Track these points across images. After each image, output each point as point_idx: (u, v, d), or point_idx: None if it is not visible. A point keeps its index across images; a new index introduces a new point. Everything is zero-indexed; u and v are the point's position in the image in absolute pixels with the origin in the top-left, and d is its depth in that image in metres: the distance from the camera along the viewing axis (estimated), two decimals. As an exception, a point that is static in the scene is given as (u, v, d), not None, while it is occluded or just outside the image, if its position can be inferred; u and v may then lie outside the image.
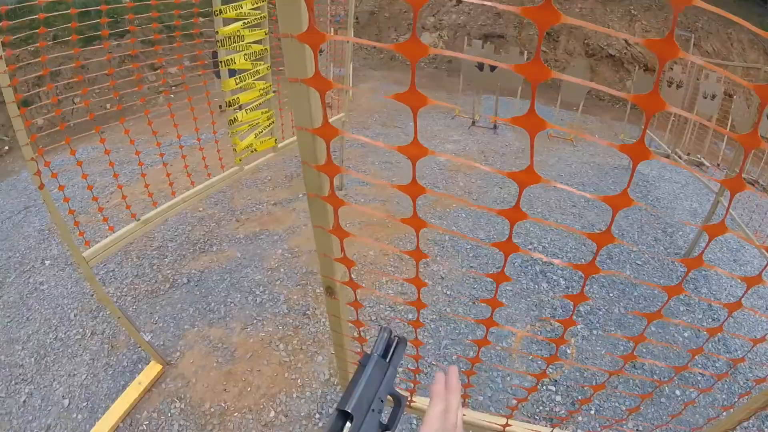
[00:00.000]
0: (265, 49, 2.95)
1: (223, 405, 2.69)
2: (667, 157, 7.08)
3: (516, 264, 3.99)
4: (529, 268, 3.96)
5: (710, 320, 3.76)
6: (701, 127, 7.39)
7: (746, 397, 1.19)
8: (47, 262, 4.21)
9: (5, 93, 1.72)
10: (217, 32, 2.54)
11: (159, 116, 2.32)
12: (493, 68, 7.22)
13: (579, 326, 3.44)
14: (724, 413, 1.28)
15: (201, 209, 4.41)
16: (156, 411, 2.63)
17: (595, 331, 3.45)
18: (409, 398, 1.44)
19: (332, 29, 6.71)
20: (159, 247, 3.89)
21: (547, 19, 0.43)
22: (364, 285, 3.50)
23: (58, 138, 2.10)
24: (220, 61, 2.64)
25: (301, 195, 4.90)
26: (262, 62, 2.97)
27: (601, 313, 3.60)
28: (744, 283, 0.67)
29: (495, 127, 7.73)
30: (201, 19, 2.66)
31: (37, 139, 1.94)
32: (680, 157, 7.13)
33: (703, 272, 4.36)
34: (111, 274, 3.60)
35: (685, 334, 3.53)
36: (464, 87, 8.34)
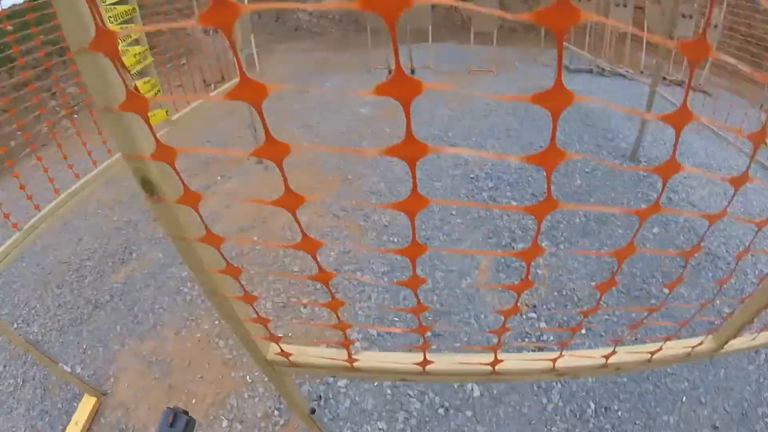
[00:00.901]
0: (133, 8, 2.62)
1: (169, 425, 2.60)
2: (590, 72, 7.41)
3: (462, 195, 3.78)
4: (477, 195, 3.77)
5: (681, 222, 3.47)
6: (619, 39, 7.70)
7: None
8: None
9: None
10: None
11: (66, 139, 2.02)
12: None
13: (544, 243, 3.05)
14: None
15: (115, 218, 3.93)
16: (99, 449, 2.30)
17: (562, 246, 3.27)
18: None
19: None
20: (77, 269, 3.41)
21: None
22: (301, 254, 3.17)
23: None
24: None
25: (219, 178, 4.49)
26: (132, 23, 2.63)
27: (562, 226, 3.45)
28: (729, 183, 0.53)
29: (413, 72, 7.45)
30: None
31: None
32: (603, 70, 7.34)
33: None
34: (33, 311, 3.14)
35: (654, 230, 3.39)
36: (373, 40, 7.95)
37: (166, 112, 2.99)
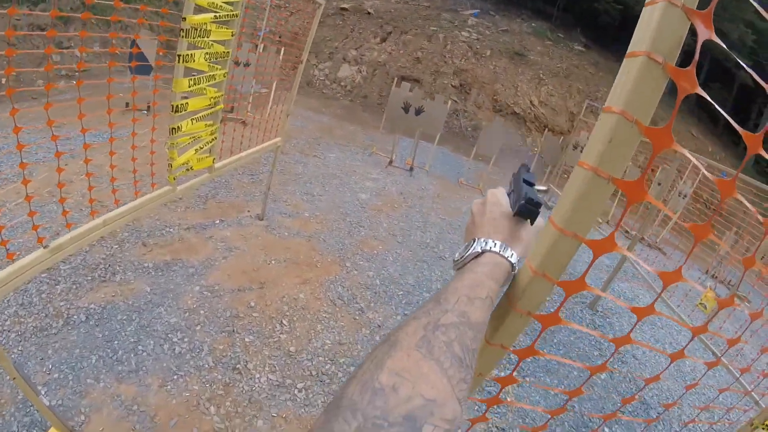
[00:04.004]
0: (227, 52, 2.56)
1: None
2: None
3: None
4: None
5: (620, 363, 4.07)
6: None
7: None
8: None
9: None
10: (184, 19, 2.11)
11: (58, 103, 1.64)
12: (418, 112, 7.38)
13: (514, 374, 3.29)
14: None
15: (101, 225, 3.44)
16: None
17: (528, 378, 3.48)
18: None
19: (262, 45, 6.80)
20: (49, 269, 3.05)
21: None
22: (297, 334, 3.18)
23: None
24: (178, 55, 2.18)
25: (218, 221, 4.33)
26: (220, 67, 2.57)
27: (529, 360, 3.64)
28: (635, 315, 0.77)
29: (411, 169, 7.76)
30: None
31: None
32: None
33: (608, 320, 4.77)
34: None
35: (602, 377, 3.73)
36: (385, 126, 8.29)
37: (213, 159, 2.92)
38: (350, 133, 8.96)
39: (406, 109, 7.42)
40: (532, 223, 0.73)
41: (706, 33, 0.50)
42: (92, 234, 2.08)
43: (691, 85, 0.50)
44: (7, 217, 1.72)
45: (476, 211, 0.77)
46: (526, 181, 0.74)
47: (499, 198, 0.76)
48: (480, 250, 0.67)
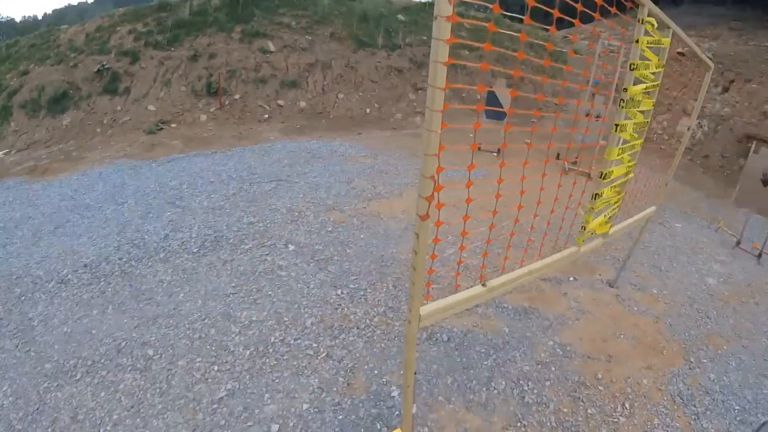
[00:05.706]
0: (647, 122, 2.54)
1: None
2: None
3: None
4: None
5: None
6: None
7: None
8: (291, 247, 4.12)
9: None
10: (625, 89, 2.16)
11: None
12: (783, 186, 5.92)
13: None
14: None
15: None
16: None
17: None
18: None
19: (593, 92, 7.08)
20: None
21: None
22: (635, 422, 2.89)
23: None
24: (616, 125, 2.26)
25: (572, 278, 4.36)
26: (638, 136, 2.55)
27: None
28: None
29: (759, 255, 6.36)
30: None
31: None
32: None
33: None
34: (361, 294, 3.44)
35: None
36: (738, 198, 6.90)
37: (611, 226, 2.83)
38: (693, 199, 8.05)
39: (765, 182, 6.22)
40: None
41: None
42: (519, 280, 2.20)
43: None
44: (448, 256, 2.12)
45: None
46: None
47: None
48: None
